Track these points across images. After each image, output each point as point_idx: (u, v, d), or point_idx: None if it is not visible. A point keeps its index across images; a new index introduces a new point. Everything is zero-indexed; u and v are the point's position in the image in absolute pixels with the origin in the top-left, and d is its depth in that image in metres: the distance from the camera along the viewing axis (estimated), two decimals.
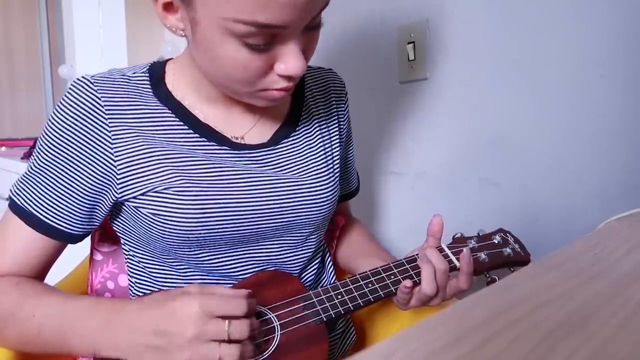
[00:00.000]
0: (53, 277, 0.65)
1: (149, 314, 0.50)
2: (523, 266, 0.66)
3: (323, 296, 0.59)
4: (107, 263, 0.70)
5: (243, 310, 0.50)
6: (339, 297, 0.59)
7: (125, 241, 0.64)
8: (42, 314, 0.54)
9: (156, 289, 0.62)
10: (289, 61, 0.51)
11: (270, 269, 0.65)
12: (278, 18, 0.46)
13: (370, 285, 0.60)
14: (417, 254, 0.63)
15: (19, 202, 0.57)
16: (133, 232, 0.62)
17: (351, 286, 0.60)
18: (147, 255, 0.63)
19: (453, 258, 0.63)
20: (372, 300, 0.59)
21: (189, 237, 0.58)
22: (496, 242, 0.66)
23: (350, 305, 0.58)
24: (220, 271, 0.62)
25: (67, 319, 0.53)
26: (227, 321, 0.49)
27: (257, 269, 0.64)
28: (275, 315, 0.57)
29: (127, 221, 0.62)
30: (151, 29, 2.09)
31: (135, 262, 0.64)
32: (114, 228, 0.65)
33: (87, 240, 0.67)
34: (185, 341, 0.48)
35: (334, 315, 0.58)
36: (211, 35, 0.49)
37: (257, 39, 0.48)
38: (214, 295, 0.50)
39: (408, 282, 0.60)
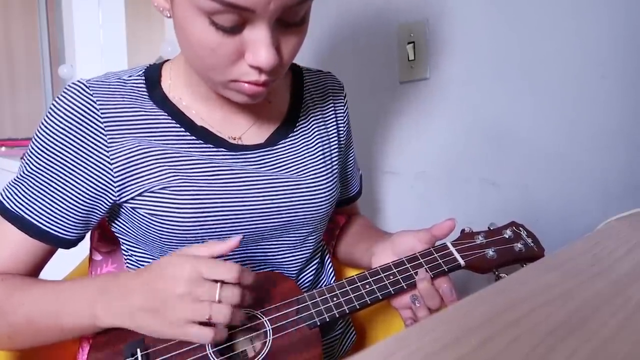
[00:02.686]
0: (53, 277, 0.65)
1: (142, 276, 0.52)
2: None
3: (318, 299, 0.57)
4: (106, 263, 0.70)
5: (233, 275, 0.50)
6: (334, 299, 0.56)
7: (124, 242, 0.64)
8: (31, 301, 0.54)
9: None
10: (257, 51, 0.49)
11: (267, 269, 0.64)
12: None
13: (367, 286, 0.58)
14: (411, 296, 0.59)
15: (10, 207, 0.56)
16: (131, 233, 0.62)
17: (347, 287, 0.57)
18: (145, 256, 0.63)
19: (458, 256, 0.60)
20: (369, 302, 0.57)
21: (186, 238, 0.58)
22: (507, 237, 0.62)
23: (345, 308, 0.56)
24: None
25: (61, 299, 0.54)
26: (218, 283, 0.49)
27: (255, 270, 0.64)
28: (267, 319, 0.55)
29: (124, 222, 0.62)
30: (151, 29, 2.09)
31: (134, 261, 0.64)
32: (112, 229, 0.65)
33: (87, 240, 0.67)
34: (176, 298, 0.49)
35: (328, 319, 0.56)
36: (183, 12, 0.49)
37: (225, 18, 0.47)
38: (205, 258, 0.51)
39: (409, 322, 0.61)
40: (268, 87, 0.54)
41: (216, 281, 0.50)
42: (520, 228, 0.65)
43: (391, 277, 0.59)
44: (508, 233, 0.63)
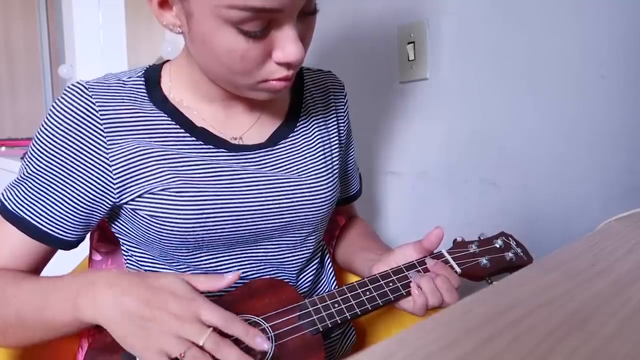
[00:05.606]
0: None
1: (136, 278, 0.50)
2: None
3: (319, 305, 0.57)
4: (106, 263, 0.70)
5: (228, 326, 0.48)
6: (336, 305, 0.57)
7: (124, 243, 0.64)
8: (21, 294, 0.54)
9: None
10: (287, 47, 0.50)
11: (267, 270, 0.64)
12: (272, 1, 0.46)
13: (368, 293, 0.58)
14: (408, 273, 0.60)
15: (10, 208, 0.56)
16: (131, 234, 0.62)
17: (348, 294, 0.58)
18: (146, 257, 0.63)
19: (454, 264, 0.62)
20: (370, 309, 0.58)
21: (186, 239, 0.58)
22: (498, 246, 0.65)
23: (347, 314, 0.56)
24: (219, 272, 0.62)
25: (45, 291, 0.53)
26: (210, 329, 0.47)
27: (255, 270, 0.64)
28: (269, 326, 0.55)
29: (125, 223, 0.62)
30: (151, 29, 2.09)
31: (134, 261, 0.64)
32: (112, 230, 0.65)
33: (87, 241, 0.67)
34: (165, 315, 0.46)
35: (330, 325, 0.56)
36: (206, 25, 0.49)
37: (253, 24, 0.48)
38: (212, 306, 0.49)
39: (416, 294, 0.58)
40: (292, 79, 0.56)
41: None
42: (510, 238, 0.67)
43: (390, 284, 0.60)
44: (499, 243, 0.66)
